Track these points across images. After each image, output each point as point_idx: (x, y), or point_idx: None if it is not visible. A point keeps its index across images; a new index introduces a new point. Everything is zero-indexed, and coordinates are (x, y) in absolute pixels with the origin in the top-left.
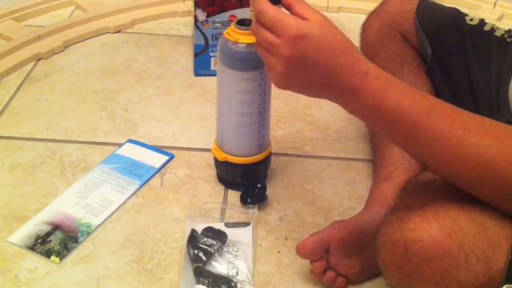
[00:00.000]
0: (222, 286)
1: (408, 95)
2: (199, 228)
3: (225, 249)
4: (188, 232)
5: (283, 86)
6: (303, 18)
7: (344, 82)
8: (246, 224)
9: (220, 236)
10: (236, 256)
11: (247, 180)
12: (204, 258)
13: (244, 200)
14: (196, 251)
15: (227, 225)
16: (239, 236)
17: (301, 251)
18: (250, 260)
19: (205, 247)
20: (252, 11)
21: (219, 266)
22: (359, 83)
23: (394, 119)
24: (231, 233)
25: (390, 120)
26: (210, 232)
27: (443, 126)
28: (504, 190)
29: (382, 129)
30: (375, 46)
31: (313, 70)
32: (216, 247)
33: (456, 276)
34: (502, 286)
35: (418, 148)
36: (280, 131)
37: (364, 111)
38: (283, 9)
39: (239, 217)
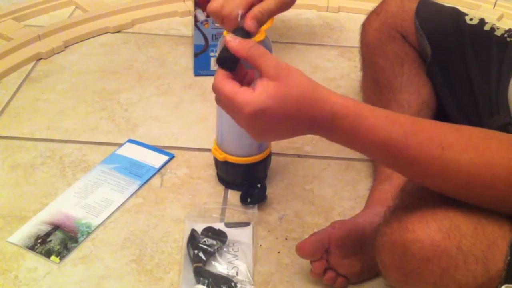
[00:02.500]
0: (222, 286)
1: (381, 127)
2: (199, 228)
3: (225, 249)
4: (188, 232)
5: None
6: (261, 75)
7: (312, 132)
8: (246, 224)
9: (220, 236)
10: (236, 256)
11: (247, 180)
12: (204, 258)
13: (244, 200)
14: (196, 251)
15: (227, 225)
16: (239, 236)
17: (301, 251)
18: (250, 260)
19: (205, 247)
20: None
21: (219, 266)
22: (327, 129)
23: (371, 151)
24: (231, 233)
25: (368, 152)
26: (210, 232)
27: (421, 149)
28: (492, 198)
29: (367, 155)
30: (375, 46)
31: (277, 131)
32: (216, 247)
33: (454, 276)
34: (501, 286)
35: (401, 170)
36: None
37: (341, 143)
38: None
39: (239, 217)
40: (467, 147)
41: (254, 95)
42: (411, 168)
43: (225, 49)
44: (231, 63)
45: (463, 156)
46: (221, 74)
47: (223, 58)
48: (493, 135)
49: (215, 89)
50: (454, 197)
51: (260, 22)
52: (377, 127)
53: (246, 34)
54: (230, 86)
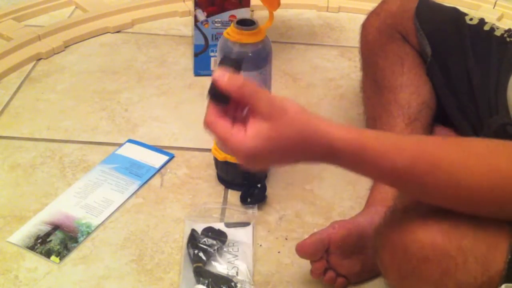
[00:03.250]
0: (222, 286)
1: (386, 157)
2: (199, 228)
3: (225, 249)
4: (188, 232)
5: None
6: (253, 113)
7: (311, 162)
8: (246, 224)
9: (220, 236)
10: (236, 256)
11: (247, 180)
12: (204, 258)
13: (244, 200)
14: (196, 251)
15: (227, 225)
16: (239, 236)
17: (301, 251)
18: (250, 260)
19: (205, 247)
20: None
21: (219, 266)
22: (330, 162)
23: (379, 179)
24: (231, 233)
25: (376, 179)
26: (210, 232)
27: (428, 175)
28: (507, 213)
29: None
30: (375, 46)
31: (276, 163)
32: (216, 247)
33: (455, 276)
34: (501, 285)
35: (411, 194)
36: None
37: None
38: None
39: (239, 217)
40: (475, 165)
41: (247, 139)
42: (420, 191)
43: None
44: (223, 98)
45: (474, 178)
46: (213, 112)
47: (214, 93)
48: (502, 148)
49: (207, 128)
50: (466, 213)
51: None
52: (382, 157)
53: (235, 62)
54: (222, 128)
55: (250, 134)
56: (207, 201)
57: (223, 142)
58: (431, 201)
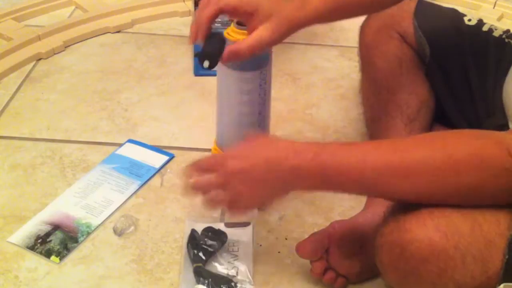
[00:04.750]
0: (222, 286)
1: (346, 170)
2: (199, 228)
3: (225, 249)
4: (188, 232)
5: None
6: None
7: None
8: (246, 224)
9: (220, 236)
10: (236, 256)
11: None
12: (204, 258)
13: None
14: (196, 251)
15: (227, 225)
16: (239, 236)
17: (301, 251)
18: (250, 260)
19: (205, 247)
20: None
21: (219, 266)
22: (298, 188)
23: (345, 191)
24: (231, 233)
25: (342, 192)
26: (210, 232)
27: (381, 167)
28: (464, 189)
29: (341, 191)
30: (373, 47)
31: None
32: (216, 247)
33: (453, 276)
34: (500, 285)
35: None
36: (280, 131)
37: (313, 184)
38: None
39: (239, 217)
40: (423, 145)
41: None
42: (389, 196)
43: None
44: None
45: (421, 153)
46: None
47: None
48: (452, 132)
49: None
50: (433, 200)
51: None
52: (343, 175)
53: (221, 40)
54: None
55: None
56: (197, 203)
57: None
58: (403, 198)
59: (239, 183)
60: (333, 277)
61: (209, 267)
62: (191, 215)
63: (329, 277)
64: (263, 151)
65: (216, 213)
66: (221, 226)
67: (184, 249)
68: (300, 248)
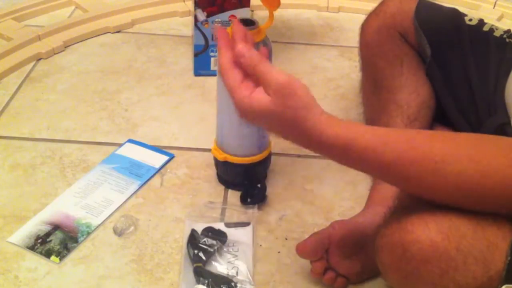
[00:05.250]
0: (222, 286)
1: (372, 149)
2: (199, 228)
3: (225, 249)
4: (188, 232)
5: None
6: (264, 83)
7: (300, 145)
8: (246, 224)
9: (220, 236)
10: (236, 256)
11: (247, 180)
12: (204, 258)
13: (244, 200)
14: (196, 251)
15: (227, 225)
16: (239, 236)
17: (301, 251)
18: (250, 260)
19: (205, 247)
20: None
21: (219, 266)
22: (318, 152)
23: (367, 172)
24: (231, 233)
25: (364, 171)
26: (210, 232)
27: (414, 167)
28: (492, 204)
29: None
30: (374, 47)
31: (266, 128)
32: (216, 247)
33: (454, 277)
34: (501, 286)
35: (399, 187)
36: None
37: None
38: None
39: (239, 217)
40: (461, 157)
41: (250, 100)
42: (407, 184)
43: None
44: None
45: (457, 167)
46: (229, 59)
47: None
48: (489, 141)
49: (220, 73)
50: (455, 206)
51: None
52: (368, 150)
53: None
54: (233, 78)
55: (254, 97)
56: (207, 201)
57: (229, 91)
58: (418, 195)
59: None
60: (333, 277)
61: (209, 267)
62: (191, 215)
63: (329, 277)
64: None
65: (216, 213)
66: (221, 226)
67: (184, 249)
68: (300, 248)
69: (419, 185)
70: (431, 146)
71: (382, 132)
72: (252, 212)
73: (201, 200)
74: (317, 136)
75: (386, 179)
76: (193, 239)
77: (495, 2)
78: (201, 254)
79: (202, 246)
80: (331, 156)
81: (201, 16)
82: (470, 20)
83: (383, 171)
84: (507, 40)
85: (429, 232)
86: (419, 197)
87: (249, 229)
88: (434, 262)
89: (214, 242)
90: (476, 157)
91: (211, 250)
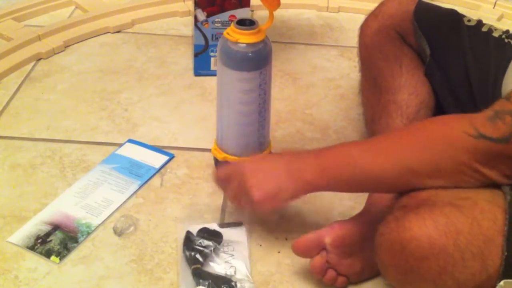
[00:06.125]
0: (222, 286)
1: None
2: (194, 229)
3: (220, 249)
4: (181, 235)
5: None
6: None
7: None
8: (239, 223)
9: (215, 236)
10: (233, 255)
11: None
12: (201, 259)
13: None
14: (193, 253)
15: (221, 225)
16: (233, 236)
17: (295, 248)
18: (247, 258)
19: (201, 248)
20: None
21: (217, 266)
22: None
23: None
24: (225, 233)
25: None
26: (206, 233)
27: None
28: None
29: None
30: (373, 48)
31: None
32: (212, 248)
33: (453, 273)
34: (500, 281)
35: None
36: (280, 131)
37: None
38: None
39: (232, 217)
40: (377, 153)
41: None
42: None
43: None
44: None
45: (376, 160)
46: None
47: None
48: (406, 134)
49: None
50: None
51: None
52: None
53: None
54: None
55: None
56: (197, 203)
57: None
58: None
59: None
60: (334, 277)
61: (206, 268)
62: (182, 218)
63: (330, 277)
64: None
65: (208, 214)
66: (214, 226)
67: (181, 252)
68: (294, 246)
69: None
70: (351, 148)
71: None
72: (245, 212)
73: (201, 200)
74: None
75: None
76: (188, 241)
77: (495, 2)
78: (198, 255)
79: (198, 247)
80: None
81: (201, 16)
82: (469, 21)
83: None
84: (506, 40)
85: (426, 229)
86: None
87: (242, 228)
88: (432, 259)
89: (210, 243)
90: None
91: (208, 251)
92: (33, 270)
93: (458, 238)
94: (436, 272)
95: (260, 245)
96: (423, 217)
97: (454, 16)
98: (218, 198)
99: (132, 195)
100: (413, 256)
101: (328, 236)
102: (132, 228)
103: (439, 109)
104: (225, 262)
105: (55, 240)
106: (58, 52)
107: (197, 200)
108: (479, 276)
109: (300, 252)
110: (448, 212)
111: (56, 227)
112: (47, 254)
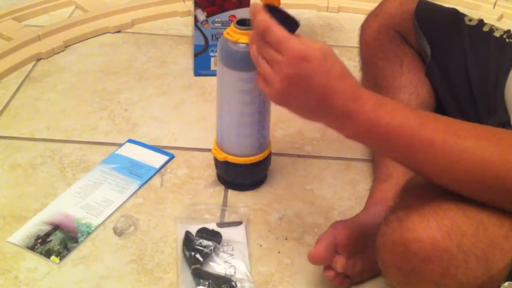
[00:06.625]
0: (223, 286)
1: (399, 111)
2: (193, 230)
3: (220, 249)
4: (181, 235)
5: (278, 101)
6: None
7: (338, 105)
8: (238, 223)
9: (214, 236)
10: (232, 255)
11: (247, 180)
12: (201, 259)
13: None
14: (192, 253)
15: (220, 225)
16: (233, 235)
17: (315, 259)
18: (247, 258)
19: (201, 248)
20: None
21: (217, 266)
22: (352, 106)
23: (389, 136)
24: (224, 233)
25: (385, 138)
26: (205, 233)
27: (437, 135)
28: (506, 191)
29: (379, 148)
30: (374, 47)
31: (310, 91)
32: (211, 248)
33: (455, 275)
34: (504, 282)
35: (416, 161)
36: (280, 131)
37: (359, 133)
38: None
39: (231, 217)
40: (481, 136)
41: (306, 43)
42: (426, 157)
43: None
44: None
45: (479, 143)
46: (271, 19)
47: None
48: (507, 131)
49: (265, 29)
50: (466, 191)
51: None
52: (397, 110)
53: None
54: (283, 31)
55: (308, 43)
56: (197, 203)
57: (278, 43)
58: (431, 170)
59: (293, 84)
60: (341, 279)
61: (206, 268)
62: (181, 218)
63: (339, 279)
64: (326, 79)
65: (208, 214)
66: (213, 226)
67: (180, 252)
68: (313, 256)
69: (438, 158)
70: (455, 123)
71: (406, 106)
72: (244, 212)
73: (201, 200)
74: (357, 90)
75: (405, 150)
76: (188, 241)
77: (495, 2)
78: (198, 255)
79: (198, 247)
80: (363, 116)
81: (201, 16)
82: (470, 20)
83: (406, 141)
84: (507, 40)
85: (430, 230)
86: (431, 178)
87: (241, 227)
88: (435, 261)
89: (210, 242)
90: (494, 139)
91: (207, 251)
92: (33, 270)
93: (462, 241)
94: (438, 274)
95: (260, 245)
96: (427, 218)
97: (455, 16)
98: (218, 198)
99: (132, 195)
100: (415, 257)
101: (336, 238)
102: (132, 228)
103: (439, 109)
104: (225, 262)
105: (55, 240)
106: (58, 52)
107: (197, 200)
108: (481, 278)
109: (320, 261)
110: (453, 215)
111: (56, 227)
112: (47, 254)
